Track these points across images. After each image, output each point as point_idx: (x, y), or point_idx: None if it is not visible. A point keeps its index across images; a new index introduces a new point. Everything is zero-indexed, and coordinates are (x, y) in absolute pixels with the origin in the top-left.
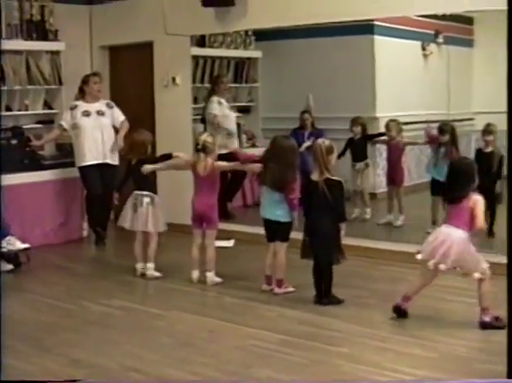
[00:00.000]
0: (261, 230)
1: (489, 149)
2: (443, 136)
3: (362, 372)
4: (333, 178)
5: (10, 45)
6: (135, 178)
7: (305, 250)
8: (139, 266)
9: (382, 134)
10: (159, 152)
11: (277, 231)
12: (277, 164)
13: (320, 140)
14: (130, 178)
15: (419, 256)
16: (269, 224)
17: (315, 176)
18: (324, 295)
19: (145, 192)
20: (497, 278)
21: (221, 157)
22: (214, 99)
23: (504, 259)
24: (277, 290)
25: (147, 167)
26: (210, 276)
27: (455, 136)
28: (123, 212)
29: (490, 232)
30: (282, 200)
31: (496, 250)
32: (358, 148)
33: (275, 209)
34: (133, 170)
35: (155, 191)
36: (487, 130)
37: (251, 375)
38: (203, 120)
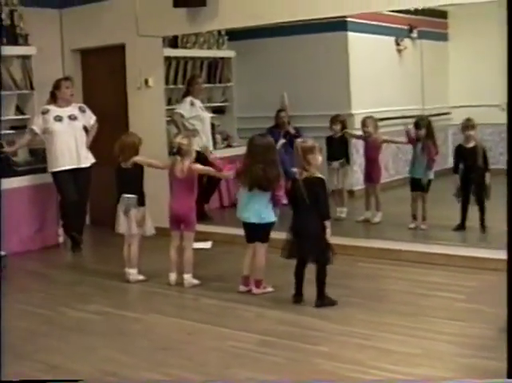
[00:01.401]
0: (238, 231)
1: (471, 144)
2: (420, 130)
3: (342, 370)
4: (314, 175)
5: None
6: (125, 181)
7: (290, 250)
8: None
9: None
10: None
11: (257, 232)
12: (260, 164)
13: (299, 140)
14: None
15: None
16: (249, 226)
17: (298, 175)
18: (318, 297)
19: (134, 195)
20: (491, 273)
21: None
22: (188, 99)
23: (498, 254)
24: (255, 290)
25: (137, 159)
26: (188, 278)
27: (432, 130)
28: (116, 219)
29: (483, 227)
30: (267, 201)
31: (490, 245)
32: (337, 146)
33: (259, 211)
34: (124, 173)
35: (143, 195)
36: (468, 125)
37: (229, 376)
38: None
